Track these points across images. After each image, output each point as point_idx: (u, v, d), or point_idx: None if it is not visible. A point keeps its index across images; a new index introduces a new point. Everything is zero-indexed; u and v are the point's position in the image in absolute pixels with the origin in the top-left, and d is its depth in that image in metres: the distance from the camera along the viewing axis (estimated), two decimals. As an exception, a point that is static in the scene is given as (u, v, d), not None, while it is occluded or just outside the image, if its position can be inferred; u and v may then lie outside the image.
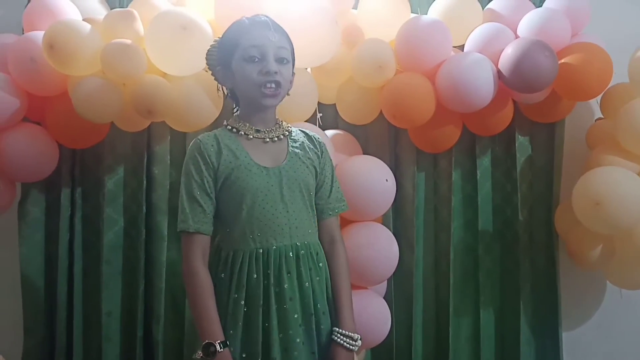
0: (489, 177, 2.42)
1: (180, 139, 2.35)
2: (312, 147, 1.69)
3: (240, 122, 1.62)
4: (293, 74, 1.65)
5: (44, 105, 2.17)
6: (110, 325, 2.33)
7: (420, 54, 2.13)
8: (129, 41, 1.97)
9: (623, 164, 2.12)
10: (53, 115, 2.17)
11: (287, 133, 1.66)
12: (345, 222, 2.12)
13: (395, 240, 2.19)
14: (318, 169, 1.67)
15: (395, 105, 2.16)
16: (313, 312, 1.58)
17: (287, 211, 1.58)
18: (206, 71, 2.11)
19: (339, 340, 1.58)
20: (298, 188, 1.60)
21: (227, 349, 1.49)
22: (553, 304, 2.37)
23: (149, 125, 2.28)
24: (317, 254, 1.63)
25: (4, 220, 2.29)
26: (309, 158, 1.65)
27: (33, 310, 2.33)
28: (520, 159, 2.39)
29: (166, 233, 2.31)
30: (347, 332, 1.59)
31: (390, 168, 2.25)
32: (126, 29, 2.00)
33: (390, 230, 2.28)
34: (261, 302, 1.53)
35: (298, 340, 1.54)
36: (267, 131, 1.63)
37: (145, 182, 2.32)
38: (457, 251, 2.40)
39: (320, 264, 1.63)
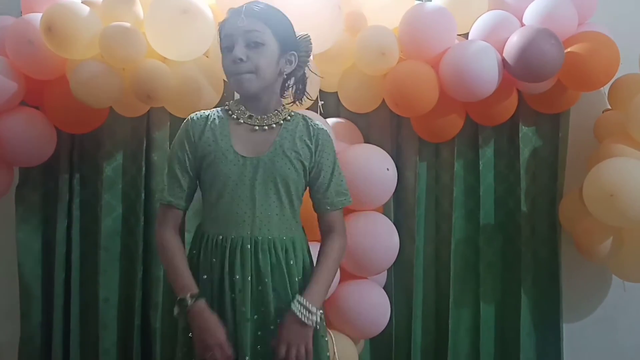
0: (492, 168, 2.40)
1: (179, 125, 2.29)
2: (306, 139, 1.60)
3: (237, 105, 1.62)
4: (292, 54, 1.58)
5: (43, 89, 2.15)
6: (108, 312, 2.32)
7: (424, 42, 2.11)
8: (128, 24, 1.95)
9: (635, 155, 2.09)
10: (51, 99, 2.15)
11: (282, 122, 1.61)
12: (345, 212, 2.08)
13: (395, 230, 2.19)
14: (308, 164, 1.60)
15: (398, 93, 2.14)
16: (273, 310, 1.53)
17: (254, 204, 1.55)
18: (207, 57, 2.11)
19: (292, 306, 1.51)
20: (273, 182, 1.56)
21: (201, 299, 1.52)
22: (554, 297, 2.35)
23: (149, 111, 2.26)
24: (285, 251, 1.57)
25: (1, 205, 2.28)
26: (295, 151, 1.57)
27: (30, 296, 2.32)
28: (524, 150, 2.36)
29: (165, 220, 2.30)
30: (304, 301, 1.51)
31: (392, 157, 2.23)
32: (126, 12, 1.97)
33: (391, 220, 2.26)
34: (217, 286, 1.55)
35: (245, 334, 1.51)
36: (260, 118, 1.59)
37: (144, 168, 2.30)
38: (458, 242, 2.38)
39: (292, 262, 1.57)
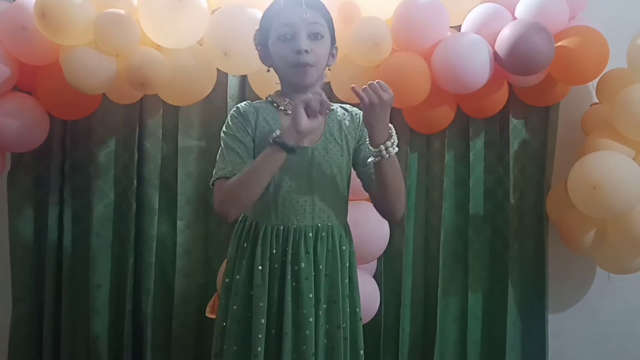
0: (482, 160, 2.42)
1: (172, 112, 2.33)
2: (350, 124, 1.66)
3: (281, 98, 1.63)
4: (335, 48, 1.64)
5: (36, 75, 2.15)
6: (99, 297, 2.33)
7: (417, 34, 2.11)
8: (122, 11, 1.94)
9: (619, 149, 2.12)
10: (44, 84, 2.15)
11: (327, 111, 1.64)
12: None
13: (385, 220, 2.19)
14: (354, 144, 1.66)
15: (390, 84, 2.11)
16: (322, 296, 1.57)
17: (313, 192, 1.58)
18: (200, 45, 2.11)
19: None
20: (329, 169, 1.60)
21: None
22: (540, 287, 2.39)
23: (142, 98, 2.26)
24: (340, 236, 1.62)
25: (-7, 190, 2.28)
26: (344, 137, 1.64)
27: (22, 281, 2.33)
28: (514, 142, 2.37)
29: (157, 207, 2.32)
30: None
31: (383, 148, 2.24)
32: (120, -2, 1.97)
33: (381, 209, 2.27)
34: (279, 275, 1.56)
35: (311, 319, 1.54)
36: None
37: (136, 155, 2.31)
38: (447, 232, 2.40)
39: (344, 247, 1.62)
